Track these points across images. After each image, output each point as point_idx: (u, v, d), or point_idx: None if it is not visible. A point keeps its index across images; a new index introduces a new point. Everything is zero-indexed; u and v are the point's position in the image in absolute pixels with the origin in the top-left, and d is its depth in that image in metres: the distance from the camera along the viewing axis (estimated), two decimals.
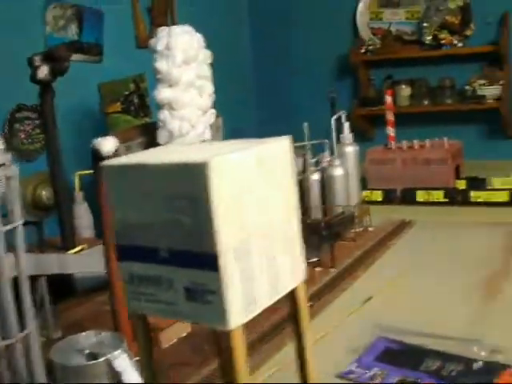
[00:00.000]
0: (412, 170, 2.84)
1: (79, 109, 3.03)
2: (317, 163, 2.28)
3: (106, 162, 0.81)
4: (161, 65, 2.19)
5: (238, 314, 0.77)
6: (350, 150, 2.37)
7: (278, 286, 0.84)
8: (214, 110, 2.35)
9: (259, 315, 0.83)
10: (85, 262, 1.80)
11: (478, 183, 2.83)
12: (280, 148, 0.85)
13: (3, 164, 1.09)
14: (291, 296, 0.89)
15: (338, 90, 3.81)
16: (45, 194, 2.70)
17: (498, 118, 3.55)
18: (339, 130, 2.43)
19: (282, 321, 1.53)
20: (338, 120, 2.41)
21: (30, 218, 2.74)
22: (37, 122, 2.68)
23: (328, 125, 2.38)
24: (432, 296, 1.77)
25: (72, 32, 3.00)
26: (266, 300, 0.81)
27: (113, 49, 3.18)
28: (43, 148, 2.55)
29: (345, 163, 2.31)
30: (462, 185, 2.83)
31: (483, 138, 3.72)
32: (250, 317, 0.79)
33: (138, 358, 1.45)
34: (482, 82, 3.55)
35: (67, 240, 2.09)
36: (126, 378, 1.12)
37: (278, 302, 0.87)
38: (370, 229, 2.38)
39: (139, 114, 3.28)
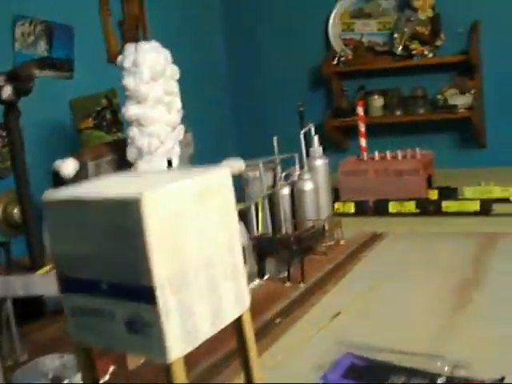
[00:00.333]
0: (384, 181, 2.85)
1: (51, 125, 3.01)
2: (287, 177, 2.28)
3: (45, 196, 0.81)
4: (128, 81, 2.19)
5: (176, 347, 0.76)
6: (320, 163, 2.38)
7: (221, 316, 0.84)
8: (182, 126, 2.35)
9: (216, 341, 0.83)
10: (51, 283, 1.79)
11: (449, 193, 2.85)
12: (219, 178, 0.85)
13: None
14: (238, 326, 0.89)
15: (311, 101, 3.84)
16: (16, 212, 2.68)
17: (469, 126, 3.59)
18: (310, 144, 2.43)
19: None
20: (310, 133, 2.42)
21: (1, 235, 2.72)
22: (6, 139, 2.66)
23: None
24: (401, 309, 1.77)
25: (42, 48, 2.99)
26: (207, 330, 0.81)
27: (84, 64, 3.18)
28: None
29: (315, 177, 2.31)
30: (434, 195, 2.85)
31: (455, 146, 3.76)
32: (191, 348, 0.79)
33: (102, 381, 1.44)
34: (454, 91, 3.58)
35: (35, 260, 2.07)
36: None
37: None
38: (342, 242, 2.38)
39: (112, 129, 3.27)
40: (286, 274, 2.01)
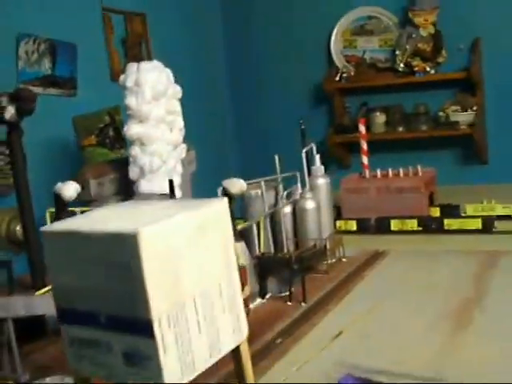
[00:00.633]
0: (386, 198, 2.85)
1: (54, 143, 3.03)
2: (288, 196, 2.28)
3: (44, 228, 0.81)
4: (130, 101, 2.21)
5: (174, 379, 0.77)
6: (322, 182, 2.38)
7: (219, 346, 0.84)
8: (184, 145, 2.36)
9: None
10: (51, 303, 1.79)
11: (451, 210, 2.85)
12: (216, 211, 0.86)
13: None
14: (235, 354, 0.89)
15: (314, 117, 3.85)
16: (19, 229, 2.68)
17: (471, 143, 3.59)
18: (312, 162, 2.44)
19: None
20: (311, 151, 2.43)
21: (4, 252, 2.73)
22: (9, 157, 2.67)
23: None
24: (402, 329, 1.77)
25: (45, 66, 3.00)
26: (205, 362, 0.81)
27: (87, 82, 3.19)
28: None
29: (317, 195, 2.31)
30: (435, 212, 2.85)
31: (457, 163, 3.76)
32: (188, 380, 0.79)
33: None
34: (455, 108, 3.59)
35: (37, 279, 2.07)
36: None
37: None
38: (344, 260, 2.38)
39: (115, 146, 3.28)
40: (287, 293, 2.01)
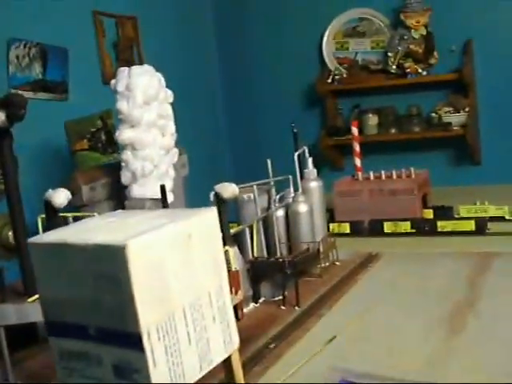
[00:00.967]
0: (379, 201, 2.85)
1: (46, 148, 3.02)
2: (281, 199, 2.27)
3: (32, 240, 0.81)
4: (122, 105, 2.19)
5: None
6: (314, 185, 2.38)
7: (210, 357, 0.83)
8: (176, 149, 2.35)
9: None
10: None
11: (445, 212, 2.84)
12: (206, 221, 0.85)
13: None
14: (226, 364, 0.88)
15: (306, 120, 3.85)
16: (11, 234, 2.67)
17: (464, 144, 3.60)
18: (304, 165, 2.43)
19: None
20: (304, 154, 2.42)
21: None
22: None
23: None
24: (396, 333, 1.76)
25: (36, 71, 3.00)
26: (195, 373, 0.81)
27: (79, 86, 3.19)
28: None
29: (309, 199, 2.30)
30: (429, 214, 2.84)
31: (450, 164, 3.77)
32: None
33: None
34: (448, 109, 3.60)
35: (28, 286, 2.06)
36: None
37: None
38: (337, 263, 2.37)
39: (107, 150, 3.27)
40: (281, 297, 2.00)
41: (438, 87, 3.71)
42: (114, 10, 3.48)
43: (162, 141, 2.27)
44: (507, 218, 2.75)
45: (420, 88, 3.76)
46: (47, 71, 3.03)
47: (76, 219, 1.98)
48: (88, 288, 0.78)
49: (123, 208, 2.18)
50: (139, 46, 3.61)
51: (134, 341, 0.75)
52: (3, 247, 2.80)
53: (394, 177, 2.96)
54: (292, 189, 2.31)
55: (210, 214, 0.86)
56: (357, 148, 3.10)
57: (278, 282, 2.03)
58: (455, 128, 3.58)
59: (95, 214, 1.88)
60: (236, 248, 1.95)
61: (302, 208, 2.25)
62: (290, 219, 2.27)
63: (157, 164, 2.25)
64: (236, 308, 1.79)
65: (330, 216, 2.87)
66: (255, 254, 2.11)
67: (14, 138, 2.02)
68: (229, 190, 1.87)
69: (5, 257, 2.77)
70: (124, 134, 2.21)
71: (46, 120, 2.93)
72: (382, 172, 2.99)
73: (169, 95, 2.30)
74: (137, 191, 2.24)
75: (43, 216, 2.63)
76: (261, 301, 2.05)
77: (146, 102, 2.20)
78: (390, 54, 3.75)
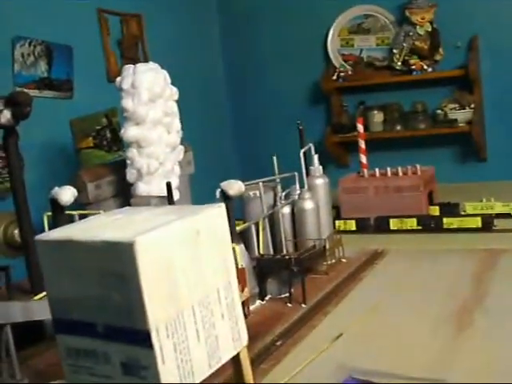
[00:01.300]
0: (385, 197, 2.84)
1: (51, 146, 3.02)
2: (287, 196, 2.27)
3: (38, 237, 0.80)
4: (127, 103, 2.19)
5: None
6: (320, 182, 2.37)
7: (218, 354, 0.83)
8: (182, 147, 2.35)
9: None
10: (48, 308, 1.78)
11: (451, 209, 2.84)
12: (214, 217, 0.84)
13: None
14: (235, 361, 0.88)
15: (311, 117, 3.84)
16: (17, 233, 2.67)
17: (470, 141, 3.59)
18: (310, 162, 2.43)
19: None
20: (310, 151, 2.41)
21: (2, 257, 2.72)
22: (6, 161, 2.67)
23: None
24: (403, 331, 1.76)
25: (41, 69, 3.00)
26: (204, 371, 0.80)
27: (84, 84, 3.19)
28: None
29: (315, 196, 2.30)
30: (435, 211, 2.84)
31: (456, 161, 3.76)
32: None
33: None
34: (453, 105, 3.59)
35: (35, 283, 2.06)
36: None
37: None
38: (343, 260, 2.37)
39: (112, 148, 3.27)
40: (287, 294, 2.00)
41: (443, 84, 3.70)
42: (119, 7, 3.48)
43: (168, 138, 2.27)
44: None
45: (425, 84, 3.74)
46: (52, 69, 3.04)
47: (82, 217, 1.98)
48: (96, 285, 0.77)
49: (129, 206, 2.18)
50: (144, 44, 3.61)
51: (142, 338, 0.74)
52: (9, 245, 2.80)
53: (400, 174, 2.96)
54: (298, 186, 2.31)
55: (218, 211, 0.86)
56: (362, 145, 3.09)
57: (284, 280, 2.03)
58: (461, 124, 3.56)
59: (101, 211, 1.88)
60: (242, 245, 1.95)
61: (308, 205, 2.25)
62: (295, 216, 2.27)
63: (162, 161, 2.24)
64: (242, 305, 1.79)
65: (336, 213, 2.87)
66: (261, 252, 2.11)
67: (19, 135, 2.02)
68: (235, 187, 1.87)
69: (11, 255, 2.78)
70: (129, 132, 2.21)
71: (51, 118, 2.93)
72: (388, 169, 2.99)
73: (174, 92, 2.30)
74: (142, 189, 2.24)
75: (49, 214, 2.63)
76: (267, 298, 2.05)
77: (151, 100, 2.20)
78: (395, 50, 3.74)
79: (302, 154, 2.35)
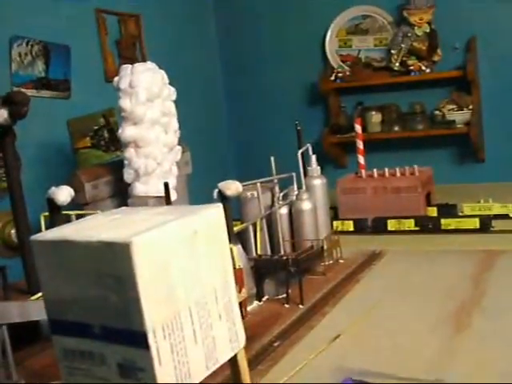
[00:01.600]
0: (383, 198, 2.84)
1: (49, 146, 3.01)
2: (285, 197, 2.26)
3: (34, 237, 0.80)
4: (125, 103, 2.19)
5: None
6: (318, 182, 2.37)
7: (215, 355, 0.82)
8: (180, 147, 2.34)
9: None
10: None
11: (449, 209, 2.84)
12: (211, 217, 0.84)
13: None
14: (232, 362, 0.88)
15: (309, 118, 3.84)
16: (14, 233, 2.67)
17: (468, 142, 3.58)
18: (308, 162, 2.42)
19: None
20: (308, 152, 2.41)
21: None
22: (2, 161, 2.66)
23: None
24: (400, 332, 1.75)
25: (39, 69, 2.99)
26: (201, 372, 0.80)
27: (81, 83, 3.18)
28: None
29: (313, 196, 2.29)
30: (433, 212, 2.83)
31: (454, 162, 3.76)
32: None
33: None
34: (451, 107, 3.59)
35: (32, 284, 2.05)
36: None
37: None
38: (341, 261, 2.36)
39: (110, 148, 3.27)
40: (284, 295, 2.00)
41: (441, 85, 3.70)
42: (117, 7, 3.47)
43: (165, 138, 2.26)
44: (511, 215, 2.74)
45: (423, 85, 3.74)
46: (50, 69, 3.03)
47: (79, 217, 1.97)
48: (92, 286, 0.77)
49: (126, 206, 2.18)
50: (142, 44, 3.60)
51: (139, 339, 0.74)
52: (6, 245, 2.80)
53: (398, 174, 2.95)
54: (296, 186, 2.30)
55: (216, 210, 0.85)
56: (360, 146, 3.09)
57: (281, 280, 2.02)
58: (459, 126, 3.57)
59: (98, 211, 1.88)
60: (239, 246, 1.95)
61: (306, 206, 2.24)
62: (293, 217, 2.26)
63: (160, 162, 2.24)
64: (240, 306, 1.78)
65: (334, 214, 2.86)
66: (259, 252, 2.11)
67: (16, 135, 2.02)
68: (232, 187, 1.86)
69: (7, 255, 2.77)
70: (127, 132, 2.20)
71: (48, 118, 2.93)
72: (386, 170, 2.98)
73: (172, 92, 2.29)
74: (140, 189, 2.23)
75: (46, 214, 2.62)
76: (264, 299, 2.04)
77: (148, 100, 2.19)
78: (393, 51, 3.74)
79: (299, 155, 2.34)
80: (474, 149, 3.62)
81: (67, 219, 2.04)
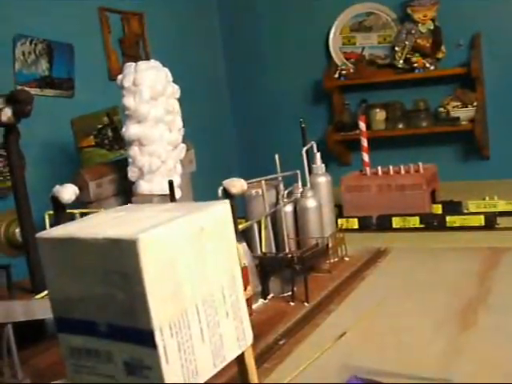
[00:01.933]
0: (387, 196, 2.83)
1: (53, 144, 3.01)
2: (289, 195, 2.26)
3: (39, 235, 0.79)
4: (128, 101, 2.18)
5: None
6: (323, 180, 2.36)
7: (223, 355, 0.82)
8: (184, 145, 2.34)
9: None
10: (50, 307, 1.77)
11: (453, 207, 2.83)
12: (218, 213, 0.83)
13: None
14: (239, 360, 0.87)
15: (313, 115, 3.83)
16: (18, 231, 2.67)
17: (472, 139, 3.57)
18: (313, 160, 2.41)
19: None
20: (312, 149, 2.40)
21: (3, 255, 2.71)
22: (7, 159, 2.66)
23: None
24: (407, 330, 1.75)
25: (42, 67, 2.99)
26: (208, 371, 0.79)
27: (85, 82, 3.18)
28: None
29: (318, 194, 2.29)
30: (437, 209, 2.83)
31: (459, 159, 3.75)
32: None
33: None
34: (456, 103, 3.58)
35: (36, 282, 2.05)
36: None
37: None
38: (346, 258, 2.36)
39: (114, 147, 3.26)
40: (289, 293, 1.99)
41: (445, 82, 3.69)
42: (120, 6, 3.47)
43: (170, 136, 2.25)
44: None
45: (427, 82, 3.73)
46: (53, 68, 3.03)
47: (83, 216, 1.97)
48: (98, 283, 0.76)
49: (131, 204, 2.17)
50: (145, 42, 3.60)
51: (146, 338, 0.73)
52: (10, 244, 2.80)
53: (402, 172, 2.95)
54: (300, 184, 2.29)
55: (223, 207, 0.84)
56: (364, 143, 3.08)
57: (286, 278, 2.02)
58: (463, 123, 3.55)
59: (102, 209, 1.87)
60: (244, 244, 1.94)
61: (311, 203, 2.24)
62: (298, 214, 2.25)
63: (164, 160, 2.23)
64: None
65: (339, 211, 2.86)
66: (264, 250, 2.10)
67: (20, 134, 2.01)
68: (237, 185, 1.86)
69: (12, 254, 2.77)
70: (131, 130, 2.20)
71: (52, 117, 2.92)
72: (390, 167, 2.97)
73: (176, 90, 2.29)
74: (144, 187, 2.23)
75: (50, 212, 2.62)
76: (269, 297, 2.04)
77: (152, 98, 2.19)
78: (397, 48, 3.73)
79: (304, 152, 2.33)
80: (478, 146, 3.60)
81: (72, 218, 2.03)
